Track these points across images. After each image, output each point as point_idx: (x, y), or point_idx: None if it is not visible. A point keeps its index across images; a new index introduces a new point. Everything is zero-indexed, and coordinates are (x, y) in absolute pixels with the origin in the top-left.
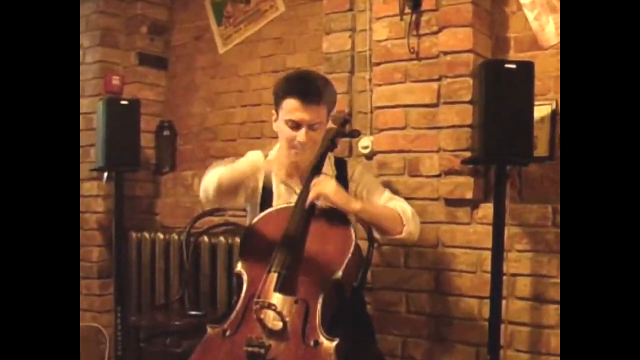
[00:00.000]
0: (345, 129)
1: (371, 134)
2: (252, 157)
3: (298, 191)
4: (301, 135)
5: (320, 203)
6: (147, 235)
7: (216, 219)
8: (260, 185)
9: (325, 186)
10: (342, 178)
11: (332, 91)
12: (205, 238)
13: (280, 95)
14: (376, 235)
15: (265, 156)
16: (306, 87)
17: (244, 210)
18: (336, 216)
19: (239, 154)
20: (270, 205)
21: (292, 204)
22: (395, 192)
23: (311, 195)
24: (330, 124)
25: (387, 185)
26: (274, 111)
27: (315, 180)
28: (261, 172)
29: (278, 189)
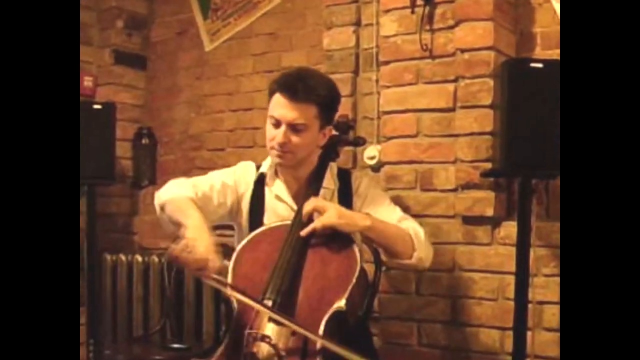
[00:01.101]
0: (348, 136)
1: (378, 142)
2: (239, 171)
3: (295, 207)
4: (279, 133)
5: (318, 226)
6: (123, 257)
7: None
8: (247, 199)
9: (330, 216)
10: (346, 192)
11: (329, 92)
12: None
13: (271, 92)
14: (383, 257)
15: (258, 167)
16: (294, 81)
17: (232, 228)
18: (338, 234)
19: (227, 165)
20: (260, 223)
21: (288, 222)
22: (405, 209)
23: (314, 226)
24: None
25: (397, 201)
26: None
27: (314, 205)
28: (244, 185)
29: (272, 204)
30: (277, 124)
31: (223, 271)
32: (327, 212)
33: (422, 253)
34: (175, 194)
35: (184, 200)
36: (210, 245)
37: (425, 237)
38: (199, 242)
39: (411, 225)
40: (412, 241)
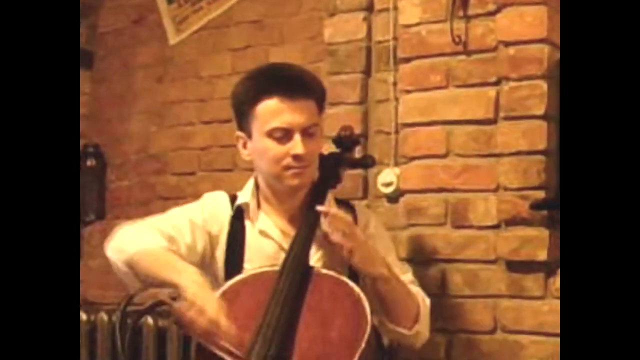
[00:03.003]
0: (352, 154)
1: (396, 164)
2: (209, 205)
3: (286, 245)
4: (297, 144)
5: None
6: None
7: (166, 292)
8: (223, 242)
9: (363, 244)
10: None
11: (319, 81)
12: (149, 319)
13: (249, 102)
14: (375, 320)
15: (233, 198)
16: (287, 77)
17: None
18: (341, 284)
19: (199, 195)
20: (240, 269)
21: (276, 267)
22: (431, 252)
23: (342, 240)
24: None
25: (420, 242)
26: (239, 133)
27: (331, 214)
28: (217, 223)
29: (255, 242)
30: (285, 136)
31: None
32: (360, 243)
33: (423, 327)
34: (145, 245)
35: (163, 253)
36: (220, 306)
37: (429, 310)
38: (208, 302)
39: (420, 292)
40: (417, 310)
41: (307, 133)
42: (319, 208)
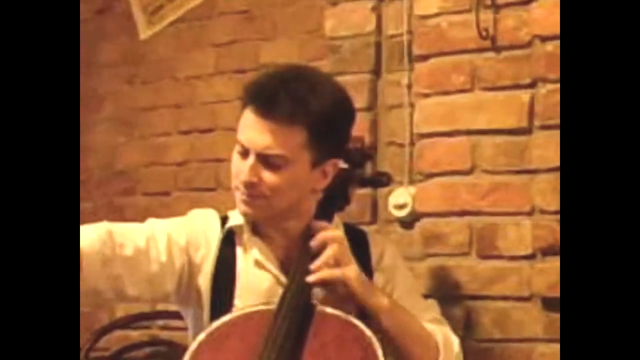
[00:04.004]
0: (363, 171)
1: (411, 182)
2: (196, 223)
3: (284, 279)
4: (244, 169)
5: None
6: None
7: (135, 334)
8: (208, 269)
9: (350, 272)
10: (361, 262)
11: (331, 107)
12: None
13: (242, 104)
14: None
15: (224, 219)
16: (274, 88)
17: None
18: (349, 326)
19: (175, 216)
20: (229, 306)
21: (271, 306)
22: (453, 286)
23: (325, 276)
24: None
25: (440, 275)
26: None
27: (334, 245)
28: (204, 246)
29: (248, 275)
30: (244, 153)
31: None
32: (350, 266)
33: None
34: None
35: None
36: None
37: (460, 352)
38: None
39: (442, 330)
40: (436, 350)
41: (267, 161)
42: (313, 243)
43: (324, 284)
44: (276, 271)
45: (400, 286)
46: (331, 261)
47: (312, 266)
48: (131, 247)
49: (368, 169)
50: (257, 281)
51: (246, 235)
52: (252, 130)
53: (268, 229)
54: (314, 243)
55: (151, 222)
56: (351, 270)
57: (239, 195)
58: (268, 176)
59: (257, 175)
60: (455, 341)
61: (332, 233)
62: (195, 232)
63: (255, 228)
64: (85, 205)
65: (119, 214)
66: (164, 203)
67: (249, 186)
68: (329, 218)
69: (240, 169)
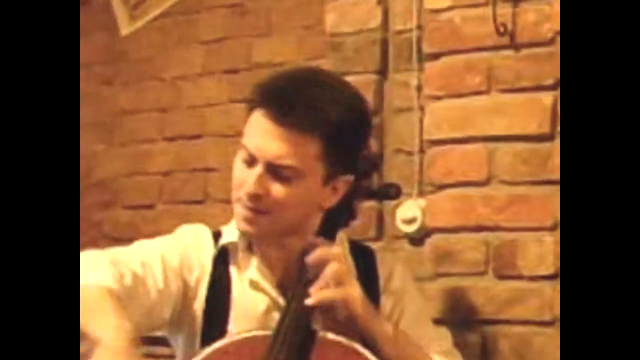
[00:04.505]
0: (370, 182)
1: (421, 194)
2: (188, 242)
3: (281, 300)
4: (250, 179)
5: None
6: None
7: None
8: (202, 292)
9: (353, 294)
10: (368, 283)
11: (350, 116)
12: None
13: (249, 106)
14: None
15: (216, 235)
16: (291, 92)
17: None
18: (353, 354)
19: (158, 234)
20: (223, 331)
21: (267, 332)
22: (469, 310)
23: (325, 297)
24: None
25: (453, 296)
26: None
27: (334, 265)
28: (197, 266)
29: (243, 297)
30: (250, 161)
31: None
32: (352, 287)
33: None
34: (85, 280)
35: (97, 293)
36: None
37: None
38: None
39: None
40: None
41: (276, 173)
42: (308, 260)
43: (323, 307)
44: (273, 293)
45: (409, 312)
46: (331, 281)
47: (311, 289)
48: (130, 276)
49: (374, 179)
50: (252, 304)
51: (240, 254)
52: (263, 136)
53: (266, 246)
54: (309, 259)
55: (141, 244)
56: (353, 292)
57: (240, 210)
58: (276, 189)
59: (264, 188)
60: None
61: (330, 250)
62: (187, 251)
63: (251, 245)
64: None
65: (96, 230)
66: (147, 217)
67: (254, 199)
68: (331, 234)
69: (245, 179)
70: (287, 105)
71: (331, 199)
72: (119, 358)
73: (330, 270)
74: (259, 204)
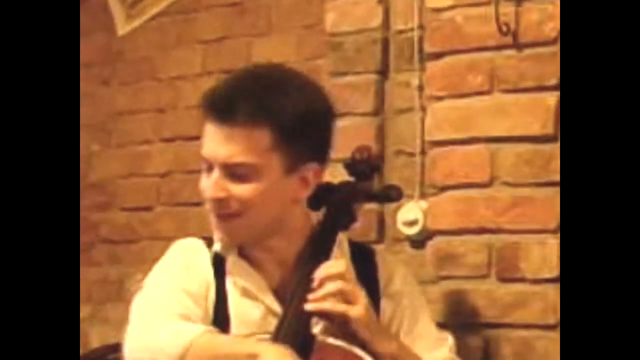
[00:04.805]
0: (371, 184)
1: (422, 196)
2: (190, 261)
3: (278, 308)
4: (209, 183)
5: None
6: None
7: None
8: (210, 303)
9: (360, 311)
10: (368, 285)
11: (298, 101)
12: None
13: (202, 118)
14: None
15: (210, 243)
16: (230, 92)
17: None
18: (352, 357)
19: (157, 237)
20: None
21: (265, 336)
22: (470, 314)
23: (327, 308)
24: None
25: (454, 300)
26: None
27: (339, 281)
28: (205, 283)
29: (238, 306)
30: (208, 169)
31: None
32: (359, 303)
33: None
34: (184, 337)
35: (212, 339)
36: None
37: None
38: None
39: None
40: None
41: (233, 173)
42: (315, 275)
43: (324, 316)
44: (267, 300)
45: (409, 317)
46: (336, 294)
47: (312, 296)
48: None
49: (375, 182)
50: (247, 311)
51: (231, 260)
52: (212, 141)
53: (254, 251)
54: (316, 275)
55: (157, 286)
56: (359, 310)
57: (213, 220)
58: (237, 189)
59: (224, 190)
60: None
61: (336, 269)
62: (196, 270)
63: (242, 251)
64: None
65: (93, 232)
66: (144, 219)
67: (217, 203)
68: (331, 239)
69: (207, 187)
70: (227, 105)
71: (302, 190)
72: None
73: (334, 287)
74: (225, 208)
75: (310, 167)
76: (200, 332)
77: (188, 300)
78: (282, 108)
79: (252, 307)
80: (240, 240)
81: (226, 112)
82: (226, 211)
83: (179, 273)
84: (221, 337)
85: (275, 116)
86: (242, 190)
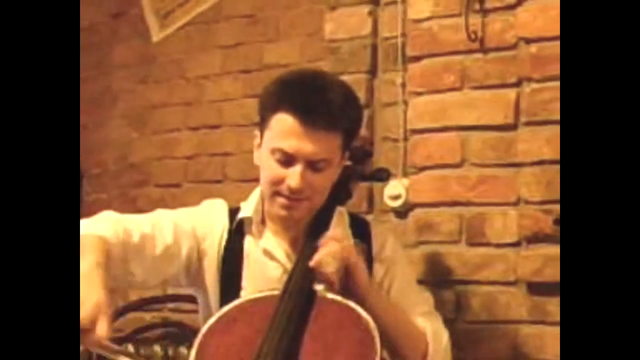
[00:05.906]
0: (364, 167)
1: (405, 175)
2: (202, 213)
3: (289, 266)
4: (294, 176)
5: (321, 283)
6: None
7: (147, 316)
8: (214, 255)
9: (358, 259)
10: (364, 252)
11: (355, 111)
12: (130, 347)
13: (269, 107)
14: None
15: (234, 211)
16: (314, 98)
17: (194, 299)
18: (348, 311)
19: (185, 207)
20: (237, 292)
21: (275, 292)
22: (444, 272)
23: (331, 266)
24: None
25: (431, 261)
26: (257, 132)
27: (326, 243)
28: (210, 233)
29: (257, 263)
30: (287, 161)
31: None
32: (356, 259)
33: None
34: (86, 231)
35: (90, 239)
36: (100, 302)
37: (448, 343)
38: (86, 295)
39: (434, 327)
40: (425, 346)
41: (314, 167)
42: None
43: (324, 275)
44: (284, 261)
45: (398, 279)
46: (335, 254)
47: (316, 255)
48: (137, 234)
49: (368, 164)
50: (265, 270)
51: (255, 226)
52: (298, 139)
53: (277, 222)
54: (321, 241)
55: (158, 211)
56: (357, 260)
57: (282, 200)
58: (315, 179)
59: (305, 181)
60: (444, 335)
61: (336, 242)
62: (201, 222)
63: (264, 219)
64: (100, 197)
65: (132, 205)
66: (174, 194)
67: (295, 192)
68: (330, 211)
69: (283, 176)
70: (313, 110)
71: (336, 175)
72: (88, 279)
73: (334, 246)
74: (297, 194)
75: (346, 155)
76: (91, 233)
77: (169, 229)
78: (351, 116)
79: (273, 267)
80: (302, 217)
81: (315, 117)
82: (300, 196)
83: (183, 213)
84: (87, 246)
85: (348, 123)
86: (318, 179)
